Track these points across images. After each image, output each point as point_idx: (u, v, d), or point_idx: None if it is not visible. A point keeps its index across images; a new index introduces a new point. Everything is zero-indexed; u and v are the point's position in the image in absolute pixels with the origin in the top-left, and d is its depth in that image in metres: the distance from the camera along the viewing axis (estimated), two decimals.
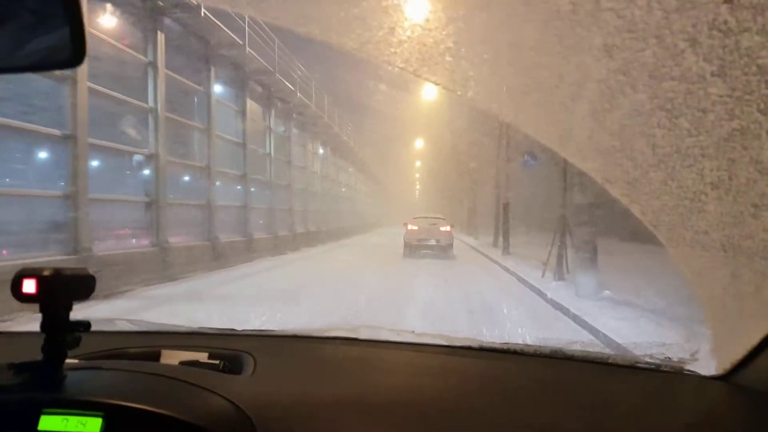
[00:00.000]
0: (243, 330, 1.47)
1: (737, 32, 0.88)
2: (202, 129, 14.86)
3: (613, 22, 1.01)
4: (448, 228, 18.08)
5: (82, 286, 0.91)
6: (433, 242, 17.72)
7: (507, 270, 13.42)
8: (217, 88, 15.74)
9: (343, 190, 38.58)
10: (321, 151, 31.22)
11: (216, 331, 1.46)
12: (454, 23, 1.26)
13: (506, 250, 17.08)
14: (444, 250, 17.71)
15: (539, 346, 1.34)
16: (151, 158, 11.99)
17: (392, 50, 1.33)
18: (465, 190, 29.10)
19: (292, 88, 21.58)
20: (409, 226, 18.34)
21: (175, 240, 12.48)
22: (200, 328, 1.51)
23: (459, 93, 1.40)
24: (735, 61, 0.91)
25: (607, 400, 1.06)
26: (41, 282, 0.86)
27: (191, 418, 0.85)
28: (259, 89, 19.43)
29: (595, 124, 1.20)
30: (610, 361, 1.26)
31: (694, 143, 1.03)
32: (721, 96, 0.95)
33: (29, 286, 0.86)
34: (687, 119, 1.02)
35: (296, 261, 17.08)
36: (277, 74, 19.32)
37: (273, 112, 21.23)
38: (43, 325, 0.89)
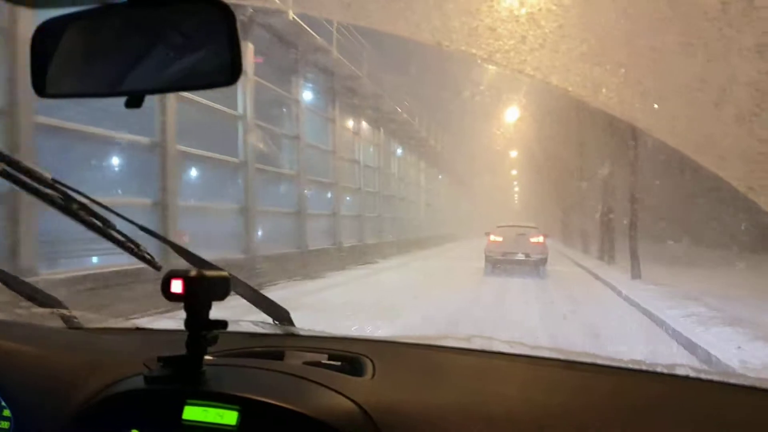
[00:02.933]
0: (358, 335, 1.54)
1: None
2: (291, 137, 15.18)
3: None
4: (540, 239, 15.46)
5: (221, 287, 0.96)
6: (521, 256, 15.05)
7: None
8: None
9: (405, 188, 32.16)
10: (399, 151, 28.14)
11: (332, 335, 1.52)
12: (591, 30, 1.23)
13: None
14: (534, 265, 15.04)
15: (670, 365, 1.21)
16: (240, 167, 12.31)
17: (522, 58, 1.34)
18: (583, 192, 22.12)
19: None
20: (492, 237, 15.80)
21: (265, 248, 12.62)
22: (318, 331, 1.56)
23: (589, 99, 1.38)
24: None
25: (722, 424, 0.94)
26: (187, 283, 0.92)
27: (319, 415, 0.91)
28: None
29: (741, 129, 1.14)
30: (732, 381, 1.09)
31: None
32: None
33: (177, 286, 0.92)
34: None
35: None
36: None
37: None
38: (187, 323, 0.96)
